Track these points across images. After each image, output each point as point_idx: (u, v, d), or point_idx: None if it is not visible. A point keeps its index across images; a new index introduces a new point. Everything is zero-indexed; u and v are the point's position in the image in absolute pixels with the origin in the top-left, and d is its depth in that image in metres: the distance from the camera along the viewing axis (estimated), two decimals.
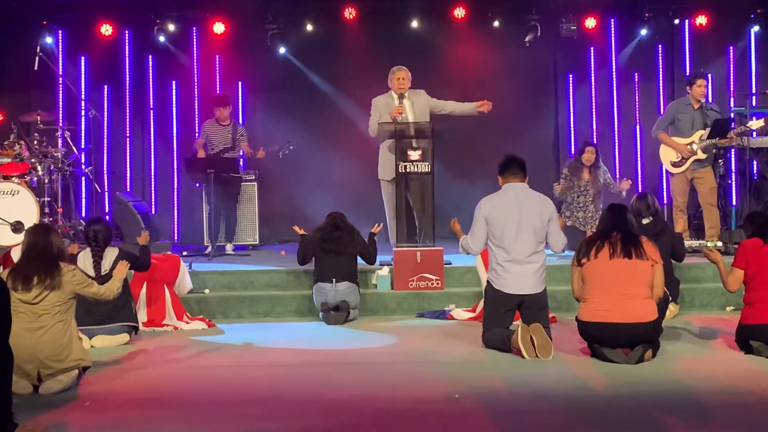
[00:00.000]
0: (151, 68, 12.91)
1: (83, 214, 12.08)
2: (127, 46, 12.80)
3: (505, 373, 6.56)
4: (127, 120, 12.90)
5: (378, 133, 10.15)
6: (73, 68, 12.66)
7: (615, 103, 13.17)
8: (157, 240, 10.67)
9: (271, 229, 12.54)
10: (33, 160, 10.68)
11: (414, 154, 9.75)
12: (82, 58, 12.73)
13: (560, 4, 12.60)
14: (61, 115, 12.40)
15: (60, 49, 12.60)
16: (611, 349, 6.77)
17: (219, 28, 12.54)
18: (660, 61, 13.16)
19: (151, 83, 12.94)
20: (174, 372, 6.85)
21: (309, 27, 12.69)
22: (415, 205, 10.03)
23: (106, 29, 12.44)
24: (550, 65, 13.36)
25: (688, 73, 12.07)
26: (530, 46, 12.83)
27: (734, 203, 11.71)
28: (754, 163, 11.56)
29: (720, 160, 11.05)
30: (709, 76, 12.05)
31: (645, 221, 8.53)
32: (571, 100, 13.28)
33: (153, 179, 12.98)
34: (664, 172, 11.66)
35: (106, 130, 12.79)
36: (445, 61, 12.70)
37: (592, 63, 13.22)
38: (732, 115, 11.60)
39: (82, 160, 12.04)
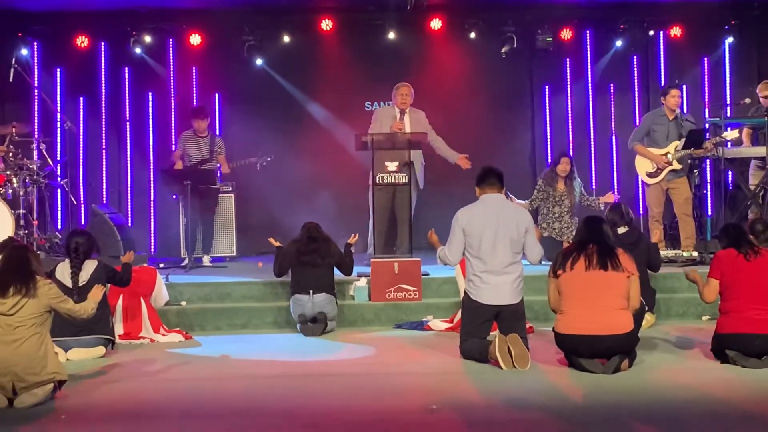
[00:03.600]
0: (127, 80, 12.86)
1: (59, 227, 12.01)
2: (103, 58, 12.75)
3: (483, 384, 6.57)
4: (103, 132, 12.86)
5: (356, 144, 10.21)
6: (48, 80, 12.61)
7: (591, 114, 13.23)
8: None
9: (248, 240, 12.48)
10: (8, 173, 10.62)
11: (392, 165, 9.78)
12: (58, 70, 12.69)
13: (536, 16, 12.65)
14: (36, 127, 12.31)
15: (35, 61, 12.53)
16: (588, 359, 6.80)
17: (195, 39, 12.53)
18: (635, 72, 13.24)
19: (127, 95, 12.88)
20: (151, 385, 6.81)
21: (286, 38, 12.68)
22: (392, 216, 10.07)
23: (82, 41, 12.40)
24: (526, 77, 13.40)
25: (663, 84, 12.16)
26: (506, 58, 12.86)
27: (709, 213, 11.77)
28: (729, 173, 11.64)
29: (695, 171, 11.11)
30: (684, 87, 12.16)
31: (621, 230, 8.59)
32: (547, 111, 13.33)
33: (129, 191, 12.92)
34: (639, 182, 11.70)
35: (81, 142, 12.75)
36: (422, 72, 12.72)
37: (568, 74, 13.27)
38: (707, 125, 11.67)
39: (58, 173, 11.96)
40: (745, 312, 6.92)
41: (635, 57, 13.18)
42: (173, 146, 12.37)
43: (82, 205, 12.53)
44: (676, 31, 12.83)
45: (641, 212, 12.06)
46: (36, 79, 12.38)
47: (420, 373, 7.05)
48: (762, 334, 6.86)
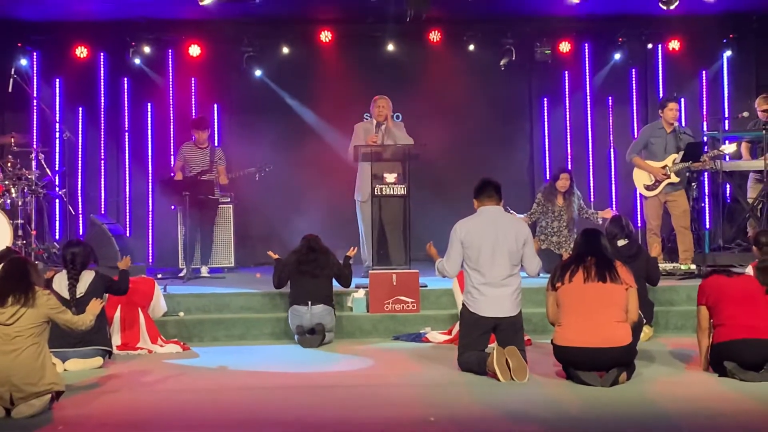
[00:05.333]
0: (126, 90, 12.86)
1: (57, 237, 12.02)
2: (102, 68, 12.76)
3: (481, 396, 6.56)
4: (102, 142, 12.85)
5: (355, 155, 10.26)
6: (47, 90, 12.62)
7: (589, 126, 13.23)
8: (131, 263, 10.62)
9: (246, 251, 12.49)
10: (7, 183, 10.63)
11: (390, 177, 9.79)
12: (57, 80, 12.70)
13: (535, 29, 12.67)
14: (35, 137, 12.33)
15: (35, 71, 12.55)
16: (586, 371, 6.79)
17: (195, 50, 12.54)
18: (634, 85, 13.25)
19: (126, 105, 12.88)
20: (148, 396, 6.80)
21: (285, 50, 12.69)
22: (390, 228, 10.10)
23: (81, 51, 12.41)
24: (525, 89, 13.42)
25: (661, 97, 12.16)
26: (505, 70, 12.86)
27: (708, 226, 11.79)
28: (728, 186, 11.66)
29: (693, 184, 11.11)
30: (682, 100, 12.16)
31: (620, 243, 8.59)
32: (545, 123, 13.34)
33: (128, 201, 12.90)
34: (637, 195, 11.72)
35: (80, 153, 12.74)
36: (421, 84, 12.74)
37: (567, 87, 13.28)
38: (705, 138, 11.69)
39: (57, 183, 11.97)
40: (738, 319, 6.92)
41: (634, 70, 13.20)
42: (172, 157, 12.38)
43: (81, 216, 12.52)
44: (674, 44, 12.85)
45: (639, 225, 12.05)
46: (35, 89, 12.40)
47: (418, 385, 7.04)
48: (758, 339, 6.85)
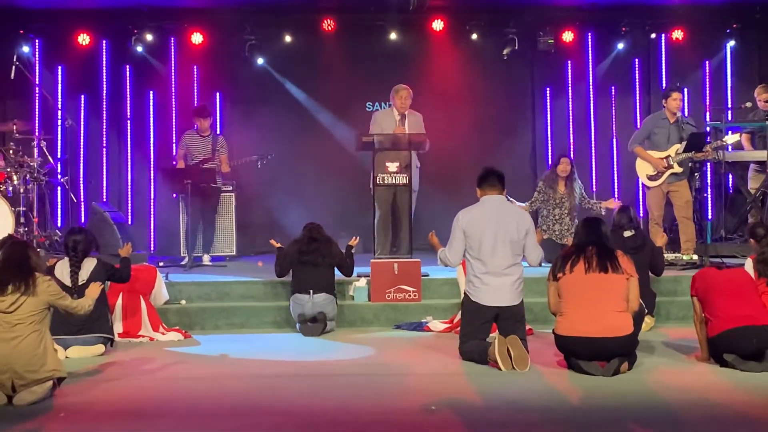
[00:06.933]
0: (128, 78, 12.86)
1: (59, 224, 12.02)
2: (104, 56, 12.76)
3: (482, 385, 6.57)
4: (104, 130, 12.86)
5: (357, 145, 10.20)
6: (50, 77, 12.61)
7: (592, 116, 13.23)
8: (132, 251, 10.62)
9: (248, 239, 12.49)
10: (9, 170, 10.62)
11: (392, 166, 9.77)
12: (59, 67, 12.70)
13: (538, 18, 12.66)
14: (37, 124, 12.30)
15: (37, 59, 12.54)
16: (587, 361, 6.79)
17: (197, 38, 12.53)
18: (637, 74, 13.25)
19: (128, 93, 12.88)
20: (149, 383, 6.81)
21: (287, 38, 12.70)
22: (393, 216, 10.08)
23: (84, 39, 12.41)
24: (528, 78, 13.40)
25: (664, 87, 12.15)
26: (508, 60, 12.87)
27: (710, 217, 11.79)
28: (730, 176, 11.65)
29: (696, 174, 11.10)
30: (685, 90, 12.14)
31: (627, 234, 8.57)
32: (548, 113, 13.32)
33: (130, 189, 12.92)
34: (640, 185, 11.71)
35: (82, 140, 12.76)
36: (424, 73, 12.71)
37: (569, 76, 13.27)
38: (708, 129, 11.68)
39: (59, 170, 11.97)
40: (728, 311, 6.93)
41: (637, 59, 13.19)
42: (174, 145, 12.37)
43: (82, 203, 12.54)
44: (677, 33, 12.85)
45: (641, 215, 12.05)
46: (37, 76, 12.38)
47: (419, 374, 7.04)
48: (751, 326, 6.85)
